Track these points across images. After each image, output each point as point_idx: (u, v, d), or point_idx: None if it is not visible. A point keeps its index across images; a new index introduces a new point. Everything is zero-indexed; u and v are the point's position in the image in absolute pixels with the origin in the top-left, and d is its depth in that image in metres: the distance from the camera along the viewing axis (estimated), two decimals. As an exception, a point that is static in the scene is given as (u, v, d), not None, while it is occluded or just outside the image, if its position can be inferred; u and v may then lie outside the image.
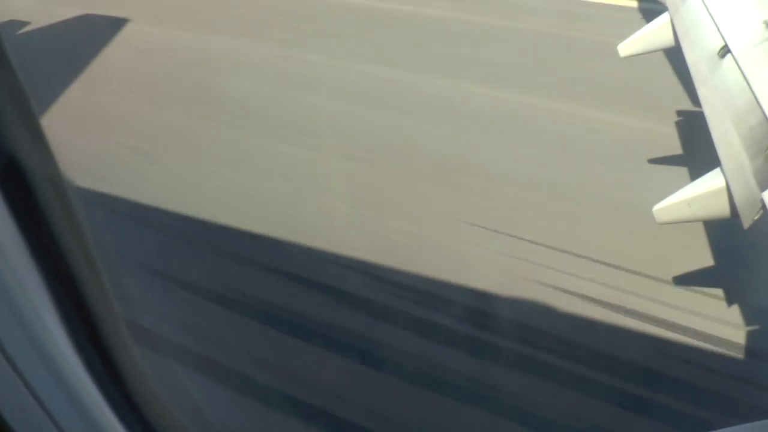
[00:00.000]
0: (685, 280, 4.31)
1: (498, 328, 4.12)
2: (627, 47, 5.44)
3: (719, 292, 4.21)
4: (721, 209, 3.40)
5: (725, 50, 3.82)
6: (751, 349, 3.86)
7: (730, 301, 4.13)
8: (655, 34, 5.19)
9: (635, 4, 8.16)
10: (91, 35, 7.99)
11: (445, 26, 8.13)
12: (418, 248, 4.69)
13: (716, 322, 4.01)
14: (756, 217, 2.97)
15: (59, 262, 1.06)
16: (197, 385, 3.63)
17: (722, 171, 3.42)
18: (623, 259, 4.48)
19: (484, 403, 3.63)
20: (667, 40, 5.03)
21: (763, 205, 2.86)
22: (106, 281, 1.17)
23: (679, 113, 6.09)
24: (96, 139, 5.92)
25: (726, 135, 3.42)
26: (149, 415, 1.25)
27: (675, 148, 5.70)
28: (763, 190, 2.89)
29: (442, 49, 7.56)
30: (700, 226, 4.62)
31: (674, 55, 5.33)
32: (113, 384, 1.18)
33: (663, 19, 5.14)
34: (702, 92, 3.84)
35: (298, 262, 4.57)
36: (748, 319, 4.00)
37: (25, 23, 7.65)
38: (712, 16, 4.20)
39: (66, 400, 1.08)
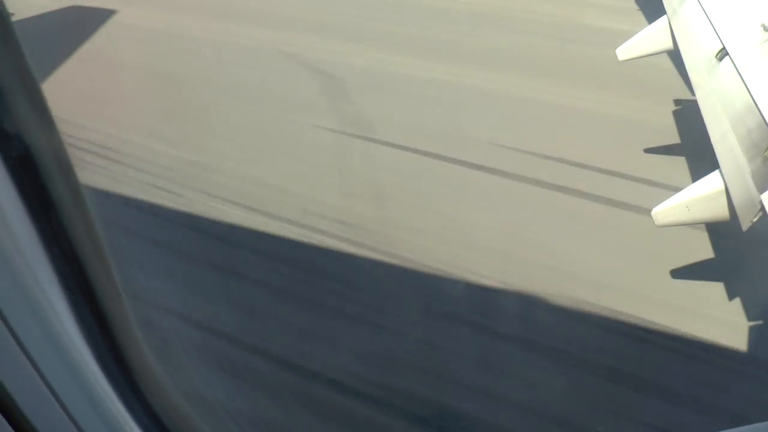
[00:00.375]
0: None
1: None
2: (625, 51, 5.44)
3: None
4: (720, 212, 3.40)
5: (723, 53, 3.83)
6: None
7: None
8: (653, 37, 5.20)
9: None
10: (78, 26, 7.98)
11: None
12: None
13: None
14: (754, 219, 2.97)
15: (69, 252, 1.08)
16: (204, 376, 3.66)
17: (720, 174, 3.43)
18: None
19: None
20: (666, 43, 5.03)
21: (762, 207, 2.86)
22: (115, 275, 1.18)
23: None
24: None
25: (724, 137, 3.42)
26: (157, 406, 1.26)
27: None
28: (761, 191, 2.89)
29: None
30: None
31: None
32: (122, 376, 1.20)
33: (661, 23, 5.14)
34: (700, 95, 3.84)
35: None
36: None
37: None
38: (710, 20, 4.21)
39: (78, 391, 1.10)
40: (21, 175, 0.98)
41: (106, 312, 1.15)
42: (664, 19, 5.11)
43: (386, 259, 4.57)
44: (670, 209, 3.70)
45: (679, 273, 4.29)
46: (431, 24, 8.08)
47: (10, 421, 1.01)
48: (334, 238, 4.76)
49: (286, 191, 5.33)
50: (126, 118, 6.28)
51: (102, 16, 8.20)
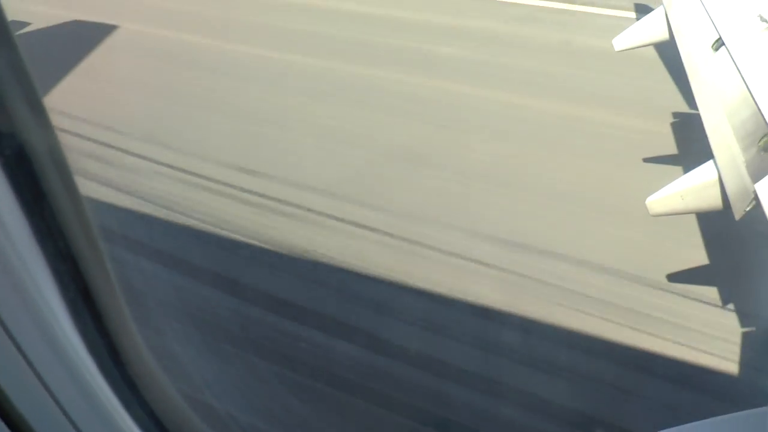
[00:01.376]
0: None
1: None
2: (621, 41, 5.44)
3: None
4: (714, 201, 3.41)
5: (719, 43, 3.82)
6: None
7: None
8: (649, 27, 5.19)
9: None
10: (79, 40, 7.91)
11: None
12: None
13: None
14: (747, 209, 2.98)
15: (64, 249, 1.07)
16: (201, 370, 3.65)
17: (715, 163, 3.43)
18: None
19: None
20: (662, 33, 5.03)
21: (755, 196, 2.86)
22: (111, 271, 1.18)
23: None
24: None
25: (719, 127, 3.42)
26: (155, 404, 1.26)
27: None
28: (755, 181, 2.89)
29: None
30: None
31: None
32: (120, 374, 1.19)
33: (657, 13, 5.14)
34: (695, 84, 3.84)
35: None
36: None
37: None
38: (706, 10, 4.20)
39: (75, 390, 1.10)
40: (15, 172, 0.98)
41: (102, 309, 1.15)
42: (660, 9, 5.11)
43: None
44: (664, 199, 3.70)
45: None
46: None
47: (6, 420, 1.01)
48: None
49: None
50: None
51: (104, 30, 8.13)
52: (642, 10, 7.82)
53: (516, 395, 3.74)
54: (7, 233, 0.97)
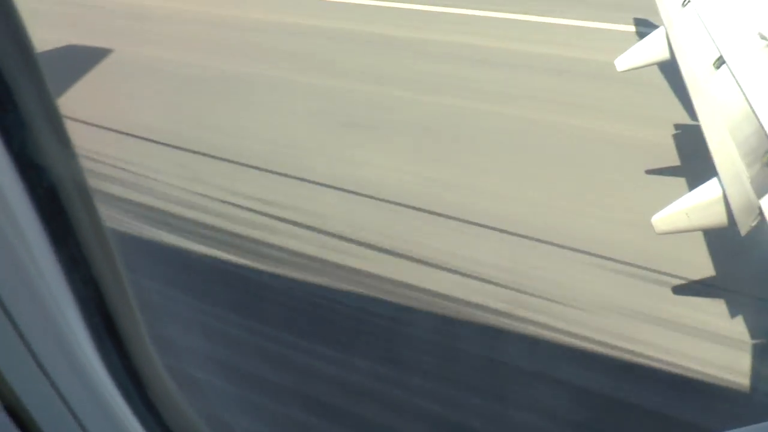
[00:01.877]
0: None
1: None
2: (624, 61, 5.49)
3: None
4: (719, 218, 3.41)
5: (720, 61, 3.85)
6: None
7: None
8: (650, 47, 5.25)
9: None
10: (73, 65, 8.03)
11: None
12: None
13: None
14: (753, 224, 2.97)
15: (88, 277, 1.11)
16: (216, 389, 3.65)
17: (719, 180, 3.43)
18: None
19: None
20: (663, 53, 5.08)
21: (761, 212, 2.86)
22: (127, 284, 1.22)
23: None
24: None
25: (722, 144, 3.43)
26: (168, 418, 1.28)
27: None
28: (760, 196, 2.90)
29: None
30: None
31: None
32: (137, 392, 1.22)
33: (658, 33, 5.19)
34: (698, 102, 3.86)
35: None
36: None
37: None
38: (707, 28, 4.24)
39: (91, 403, 1.13)
40: (46, 207, 1.02)
41: (123, 335, 1.19)
42: (661, 29, 5.16)
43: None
44: (669, 217, 3.71)
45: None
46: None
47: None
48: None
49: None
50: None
51: (98, 54, 8.31)
52: (641, 23, 7.98)
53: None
54: (36, 263, 1.02)
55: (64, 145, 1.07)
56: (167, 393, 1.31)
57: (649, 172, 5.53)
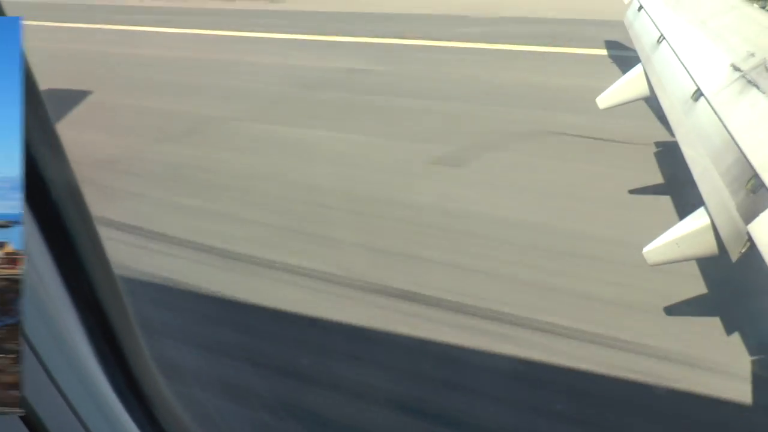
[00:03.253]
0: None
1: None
2: (605, 100, 5.61)
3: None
4: (709, 246, 3.43)
5: (698, 94, 3.93)
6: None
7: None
8: (630, 85, 5.36)
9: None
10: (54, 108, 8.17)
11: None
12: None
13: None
14: (743, 250, 2.99)
15: (93, 300, 1.15)
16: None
17: (706, 209, 3.47)
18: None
19: None
20: (643, 89, 5.19)
21: (749, 238, 2.88)
22: (131, 315, 1.25)
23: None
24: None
25: (706, 174, 3.47)
26: (167, 427, 1.32)
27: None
28: (747, 222, 2.92)
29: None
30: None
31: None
32: (134, 397, 1.25)
33: (636, 70, 5.31)
34: (680, 135, 3.93)
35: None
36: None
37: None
38: (683, 63, 4.35)
39: (96, 411, 1.16)
40: (52, 237, 1.05)
41: (122, 345, 1.22)
42: (639, 66, 5.29)
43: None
44: (660, 248, 3.73)
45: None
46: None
47: None
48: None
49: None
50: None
51: (77, 97, 8.51)
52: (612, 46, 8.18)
53: None
54: (45, 286, 1.05)
55: (67, 174, 1.09)
56: (166, 405, 1.33)
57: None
